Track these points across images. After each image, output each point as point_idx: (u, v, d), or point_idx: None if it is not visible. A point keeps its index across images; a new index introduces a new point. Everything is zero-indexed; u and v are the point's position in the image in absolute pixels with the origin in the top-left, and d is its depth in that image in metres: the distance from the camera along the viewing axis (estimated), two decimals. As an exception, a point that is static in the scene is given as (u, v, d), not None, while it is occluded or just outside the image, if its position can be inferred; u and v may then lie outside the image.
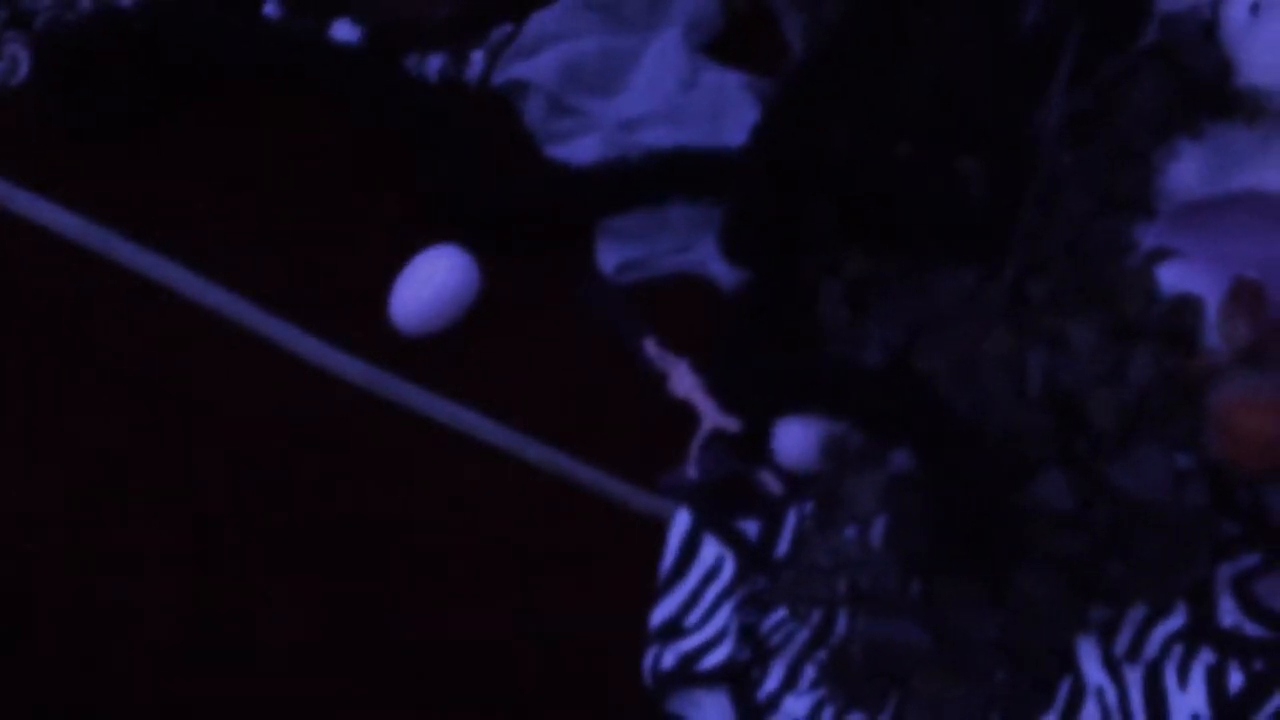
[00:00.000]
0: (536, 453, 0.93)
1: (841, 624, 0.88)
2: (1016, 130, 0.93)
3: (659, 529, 0.90)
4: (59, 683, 0.91)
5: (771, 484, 0.92)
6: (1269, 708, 0.86)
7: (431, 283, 1.01)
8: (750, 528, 0.91)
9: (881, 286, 0.95)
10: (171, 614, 0.92)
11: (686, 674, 0.88)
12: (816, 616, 0.89)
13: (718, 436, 0.94)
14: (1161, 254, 0.91)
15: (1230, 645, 0.87)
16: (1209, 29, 0.95)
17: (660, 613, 0.89)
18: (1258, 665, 0.86)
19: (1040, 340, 0.92)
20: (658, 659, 0.88)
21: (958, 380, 0.92)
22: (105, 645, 0.91)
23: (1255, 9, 0.94)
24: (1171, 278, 0.91)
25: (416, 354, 0.99)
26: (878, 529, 0.89)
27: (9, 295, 1.01)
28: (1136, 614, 0.88)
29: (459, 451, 0.95)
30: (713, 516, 0.91)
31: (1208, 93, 0.94)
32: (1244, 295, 0.88)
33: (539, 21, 1.10)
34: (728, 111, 1.05)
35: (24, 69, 1.12)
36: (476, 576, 0.91)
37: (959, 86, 0.95)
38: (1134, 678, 0.87)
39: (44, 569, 0.94)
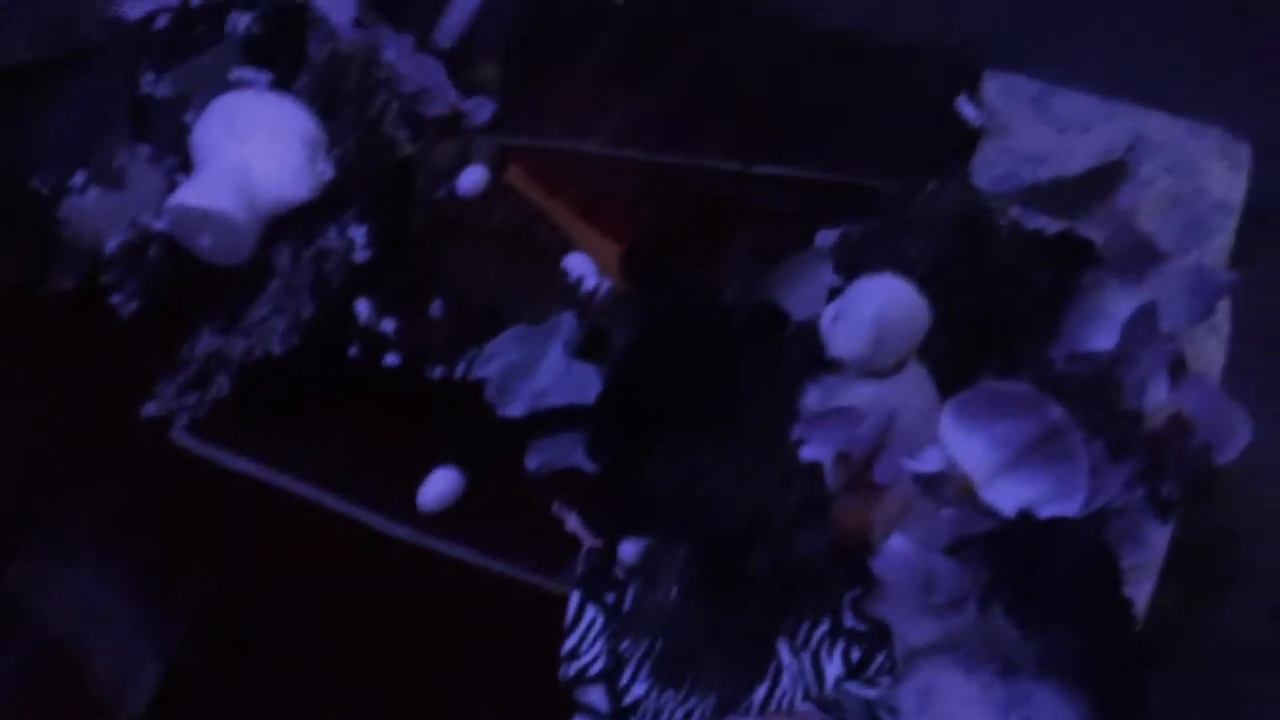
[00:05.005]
0: (500, 567, 1.36)
1: (659, 645, 1.28)
2: (730, 397, 1.38)
3: (564, 599, 1.32)
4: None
5: (619, 571, 1.33)
6: (872, 667, 1.27)
7: (439, 483, 1.40)
8: (610, 597, 1.31)
9: (672, 465, 1.34)
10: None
11: (581, 678, 1.27)
12: (646, 642, 1.28)
13: (592, 549, 1.34)
14: (800, 440, 1.34)
15: (851, 636, 1.27)
16: (815, 328, 1.36)
17: (567, 645, 1.29)
18: (866, 645, 1.28)
19: (750, 483, 1.29)
20: (567, 669, 1.28)
21: (713, 507, 1.31)
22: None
23: (834, 320, 1.34)
24: (808, 452, 1.34)
25: (432, 519, 1.39)
26: (674, 592, 1.30)
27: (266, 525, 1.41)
28: (805, 623, 1.28)
29: (456, 570, 1.35)
30: (591, 592, 1.32)
31: (818, 359, 1.36)
32: (841, 460, 1.32)
33: (491, 346, 1.45)
34: (588, 386, 1.43)
35: (226, 388, 1.46)
36: (479, 628, 1.34)
37: (693, 373, 1.38)
38: (806, 656, 1.26)
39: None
